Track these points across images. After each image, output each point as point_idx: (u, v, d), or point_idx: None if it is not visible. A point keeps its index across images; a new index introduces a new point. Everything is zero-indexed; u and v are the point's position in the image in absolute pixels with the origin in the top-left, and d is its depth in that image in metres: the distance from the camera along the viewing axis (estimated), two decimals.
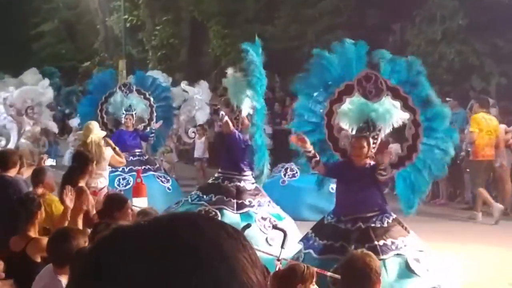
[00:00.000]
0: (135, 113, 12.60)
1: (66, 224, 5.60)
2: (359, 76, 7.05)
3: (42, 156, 9.95)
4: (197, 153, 16.37)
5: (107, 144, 9.38)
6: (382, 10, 19.33)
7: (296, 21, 21.11)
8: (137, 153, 12.41)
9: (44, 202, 5.81)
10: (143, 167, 11.98)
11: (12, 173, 6.99)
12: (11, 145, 15.74)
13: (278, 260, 6.28)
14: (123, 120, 12.49)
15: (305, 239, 7.48)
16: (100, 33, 35.13)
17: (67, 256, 4.14)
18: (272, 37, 21.38)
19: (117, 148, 9.67)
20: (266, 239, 8.55)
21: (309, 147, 7.12)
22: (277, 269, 5.89)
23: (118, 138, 12.26)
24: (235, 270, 0.98)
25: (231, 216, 8.78)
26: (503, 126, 12.42)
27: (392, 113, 7.03)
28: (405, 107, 6.88)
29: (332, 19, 19.99)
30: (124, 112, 12.45)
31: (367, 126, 7.14)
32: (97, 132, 9.07)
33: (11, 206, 5.69)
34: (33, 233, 5.38)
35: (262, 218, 8.92)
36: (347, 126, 7.39)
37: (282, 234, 6.48)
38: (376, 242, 6.76)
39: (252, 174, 9.25)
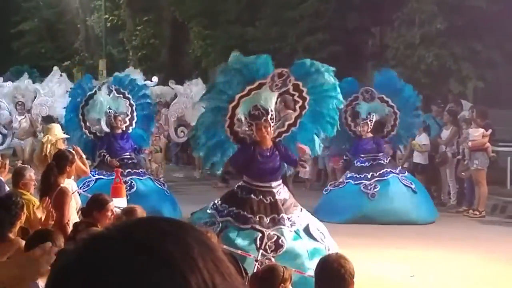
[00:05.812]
0: (118, 114, 12.43)
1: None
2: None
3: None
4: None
5: (76, 153, 8.16)
6: (362, 13, 19.49)
7: (277, 23, 21.20)
8: (127, 156, 12.19)
9: None
10: (140, 170, 12.12)
11: None
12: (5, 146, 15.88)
13: (256, 261, 6.34)
14: (109, 123, 12.23)
15: None
16: (81, 33, 35.01)
17: None
18: (253, 38, 21.47)
19: (83, 157, 8.81)
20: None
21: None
22: (255, 270, 5.95)
23: (111, 144, 12.05)
24: None
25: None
26: (481, 130, 12.59)
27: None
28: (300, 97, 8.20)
29: (313, 21, 20.12)
30: (109, 112, 12.30)
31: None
32: (56, 133, 8.83)
33: None
34: (12, 234, 5.35)
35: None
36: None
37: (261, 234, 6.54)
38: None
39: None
